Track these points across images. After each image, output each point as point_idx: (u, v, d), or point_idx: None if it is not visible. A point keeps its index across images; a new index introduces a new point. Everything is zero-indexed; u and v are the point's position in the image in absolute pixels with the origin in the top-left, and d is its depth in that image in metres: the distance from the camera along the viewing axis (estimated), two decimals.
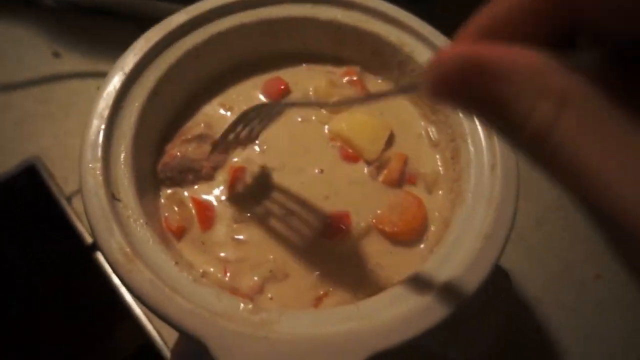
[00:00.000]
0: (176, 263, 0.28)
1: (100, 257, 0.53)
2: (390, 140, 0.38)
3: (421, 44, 0.39)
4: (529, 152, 0.14)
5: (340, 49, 0.42)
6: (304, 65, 0.42)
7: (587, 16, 0.14)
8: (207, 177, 0.35)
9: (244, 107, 0.36)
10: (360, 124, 0.38)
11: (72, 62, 0.66)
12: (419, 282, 0.28)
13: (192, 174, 0.35)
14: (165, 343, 0.49)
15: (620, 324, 0.51)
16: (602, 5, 0.13)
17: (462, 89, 0.15)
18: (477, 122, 0.35)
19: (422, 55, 0.38)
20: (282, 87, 0.40)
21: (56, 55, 0.66)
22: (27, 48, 0.67)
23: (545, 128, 0.13)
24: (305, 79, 0.41)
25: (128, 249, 0.28)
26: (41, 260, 0.52)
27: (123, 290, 0.52)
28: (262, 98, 0.40)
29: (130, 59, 0.35)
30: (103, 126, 0.32)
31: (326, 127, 0.38)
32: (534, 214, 0.57)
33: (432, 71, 0.15)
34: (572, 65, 0.13)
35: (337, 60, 0.43)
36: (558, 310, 0.52)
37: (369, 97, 0.37)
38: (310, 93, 0.40)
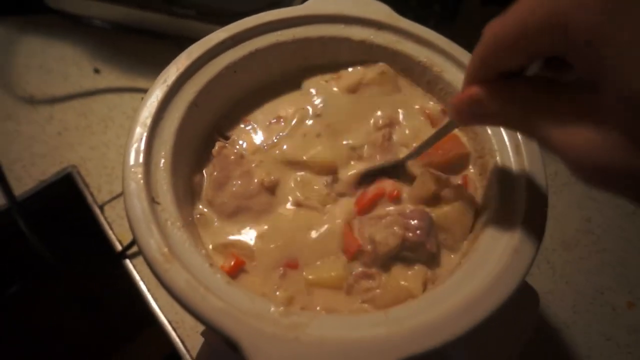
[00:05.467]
0: (210, 265, 0.29)
1: (129, 264, 0.55)
2: None
3: (450, 63, 0.40)
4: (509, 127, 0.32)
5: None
6: None
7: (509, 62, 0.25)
8: None
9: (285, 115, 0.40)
10: None
11: (111, 78, 0.69)
12: (446, 292, 0.29)
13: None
14: (189, 352, 0.50)
15: None
16: (512, 59, 0.24)
17: (467, 109, 0.27)
18: (506, 139, 0.35)
19: (451, 74, 0.39)
20: None
21: (97, 71, 0.70)
22: (71, 64, 0.70)
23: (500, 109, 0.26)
24: None
25: (166, 249, 0.29)
26: (72, 265, 0.54)
27: (150, 298, 0.53)
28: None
29: (172, 72, 0.37)
30: (145, 134, 0.34)
31: None
32: (561, 237, 0.56)
33: (450, 109, 0.29)
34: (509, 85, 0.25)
35: None
36: (587, 337, 0.51)
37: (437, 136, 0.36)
38: None
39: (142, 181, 0.31)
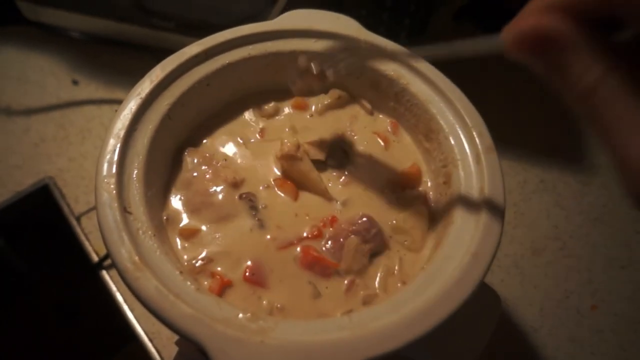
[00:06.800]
0: (180, 272, 0.30)
1: (105, 275, 0.55)
2: None
3: (415, 75, 0.41)
4: (576, 104, 0.19)
5: (342, 83, 0.45)
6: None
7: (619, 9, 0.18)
8: None
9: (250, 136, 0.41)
10: None
11: (89, 89, 0.69)
12: (409, 296, 0.30)
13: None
14: None
15: (616, 356, 0.52)
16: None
17: (539, 51, 0.19)
18: (467, 149, 0.37)
19: (416, 86, 0.41)
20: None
21: (75, 82, 0.70)
22: (49, 75, 0.71)
23: (592, 86, 0.18)
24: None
25: (137, 258, 0.30)
26: (49, 276, 0.54)
27: (126, 309, 0.53)
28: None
29: (146, 84, 0.38)
30: (119, 145, 0.35)
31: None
32: (531, 243, 0.58)
33: (514, 32, 0.20)
34: (613, 42, 0.18)
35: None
36: (553, 338, 0.52)
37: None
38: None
39: (114, 192, 0.32)
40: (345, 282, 0.35)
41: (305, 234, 0.36)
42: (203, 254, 0.35)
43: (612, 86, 0.18)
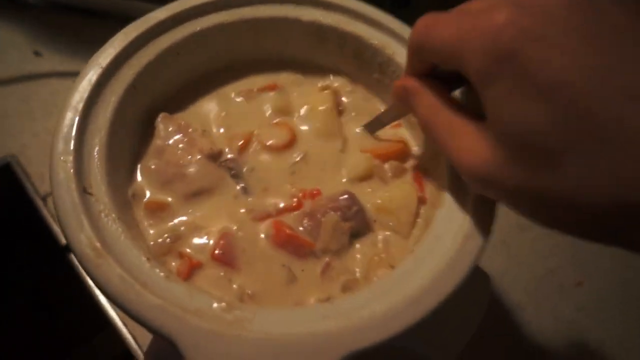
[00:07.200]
0: (148, 259, 0.27)
1: (74, 259, 0.52)
2: None
3: (401, 45, 0.39)
4: (420, 125, 0.29)
5: (323, 54, 0.42)
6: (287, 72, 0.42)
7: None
8: None
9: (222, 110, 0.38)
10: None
11: (53, 61, 0.65)
12: (397, 281, 0.28)
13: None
14: (141, 349, 0.48)
15: (599, 332, 0.51)
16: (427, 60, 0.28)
17: (401, 97, 0.30)
18: None
19: (403, 57, 0.38)
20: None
21: (37, 54, 0.65)
22: (8, 46, 0.66)
23: (425, 113, 0.29)
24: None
25: (98, 244, 0.27)
26: (15, 261, 0.50)
27: (98, 293, 0.50)
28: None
29: (108, 52, 0.34)
30: (77, 119, 0.31)
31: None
32: (517, 219, 0.57)
33: (393, 90, 0.32)
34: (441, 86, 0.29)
35: (319, 69, 0.43)
36: (538, 315, 0.52)
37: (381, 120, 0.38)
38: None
39: (72, 170, 0.29)
40: (322, 264, 0.32)
41: (282, 205, 0.34)
42: (171, 230, 0.32)
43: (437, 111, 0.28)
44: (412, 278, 0.28)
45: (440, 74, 0.29)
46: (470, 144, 0.25)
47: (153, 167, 0.35)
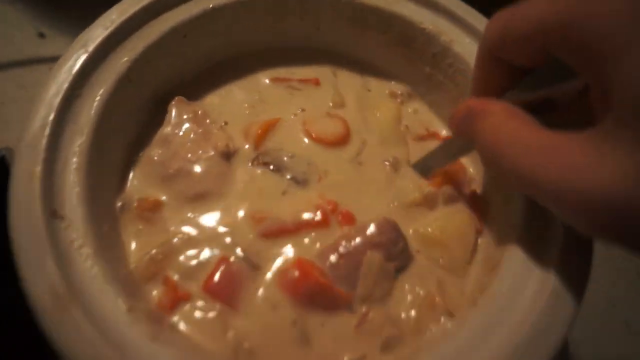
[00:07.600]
0: (129, 309, 0.21)
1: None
2: None
3: (461, 30, 0.31)
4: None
5: (361, 41, 0.34)
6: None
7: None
8: None
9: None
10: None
11: (57, 43, 0.59)
12: (459, 352, 0.21)
13: None
14: None
15: None
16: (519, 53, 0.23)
17: (463, 123, 0.25)
18: None
19: (463, 45, 0.31)
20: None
21: (41, 35, 0.60)
22: (11, 26, 0.60)
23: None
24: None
25: (62, 289, 0.20)
26: (9, 259, 0.45)
27: None
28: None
29: (96, 33, 0.28)
30: (51, 117, 0.24)
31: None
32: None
33: (451, 120, 0.27)
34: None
35: (356, 63, 0.35)
36: None
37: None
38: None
39: (38, 187, 0.22)
40: (358, 316, 0.25)
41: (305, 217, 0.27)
42: (162, 244, 0.26)
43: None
44: (480, 350, 0.20)
45: (510, 97, 0.24)
46: (586, 160, 0.18)
47: (156, 158, 0.29)
